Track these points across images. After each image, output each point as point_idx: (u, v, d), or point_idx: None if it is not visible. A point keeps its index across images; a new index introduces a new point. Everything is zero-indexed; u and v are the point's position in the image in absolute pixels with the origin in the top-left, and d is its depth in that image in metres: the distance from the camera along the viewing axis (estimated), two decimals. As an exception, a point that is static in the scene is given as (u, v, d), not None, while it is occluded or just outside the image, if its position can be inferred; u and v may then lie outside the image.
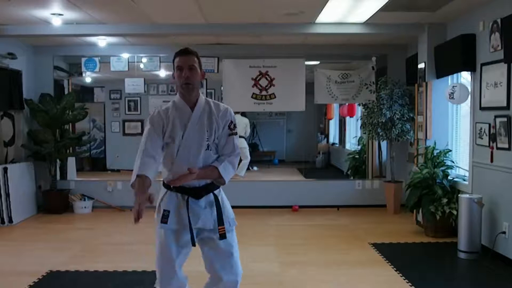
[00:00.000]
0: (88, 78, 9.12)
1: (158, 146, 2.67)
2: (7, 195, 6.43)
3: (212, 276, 2.86)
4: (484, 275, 4.46)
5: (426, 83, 6.08)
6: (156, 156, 2.64)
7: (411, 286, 4.04)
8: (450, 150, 5.97)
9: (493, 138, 4.77)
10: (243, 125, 9.65)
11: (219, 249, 2.79)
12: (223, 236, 2.73)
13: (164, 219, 2.70)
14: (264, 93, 7.44)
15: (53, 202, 7.19)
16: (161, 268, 2.75)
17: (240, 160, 9.68)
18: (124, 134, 10.78)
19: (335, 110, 11.21)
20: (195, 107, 2.73)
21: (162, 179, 2.80)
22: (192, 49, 2.75)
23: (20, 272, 4.45)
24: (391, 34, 6.56)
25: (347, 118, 10.45)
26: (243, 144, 9.70)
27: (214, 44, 7.32)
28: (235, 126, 2.79)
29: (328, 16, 5.73)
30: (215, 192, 2.77)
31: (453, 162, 5.90)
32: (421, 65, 6.28)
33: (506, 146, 4.54)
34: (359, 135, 9.44)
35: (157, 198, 2.78)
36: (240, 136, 9.61)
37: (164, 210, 2.71)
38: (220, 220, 2.72)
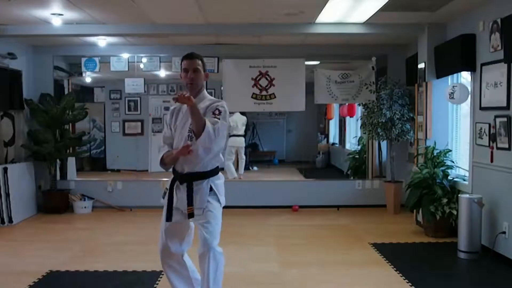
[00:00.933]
0: (88, 78, 9.13)
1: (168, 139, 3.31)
2: (7, 195, 6.43)
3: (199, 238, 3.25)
4: (484, 275, 4.46)
5: (426, 83, 6.08)
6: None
7: (411, 286, 4.04)
8: (450, 150, 5.97)
9: (493, 138, 4.77)
10: (242, 121, 9.63)
11: (201, 223, 3.18)
12: (191, 215, 3.15)
13: (164, 195, 3.30)
14: (264, 93, 7.44)
15: (53, 202, 7.19)
16: (160, 237, 3.31)
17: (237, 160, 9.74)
18: (124, 134, 10.78)
19: (335, 110, 11.22)
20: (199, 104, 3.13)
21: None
22: (197, 53, 3.22)
23: (20, 272, 4.45)
24: (391, 34, 6.56)
25: (347, 118, 10.46)
26: (242, 144, 9.72)
27: (214, 44, 7.32)
28: (219, 113, 3.12)
29: (328, 16, 5.73)
30: (195, 182, 3.16)
31: (453, 162, 5.89)
32: (421, 65, 6.28)
33: (506, 146, 4.54)
34: (359, 135, 9.44)
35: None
36: (239, 135, 9.62)
37: (166, 188, 3.29)
38: (189, 201, 3.13)
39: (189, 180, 3.15)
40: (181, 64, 3.22)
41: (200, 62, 3.17)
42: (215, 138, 3.01)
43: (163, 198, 3.27)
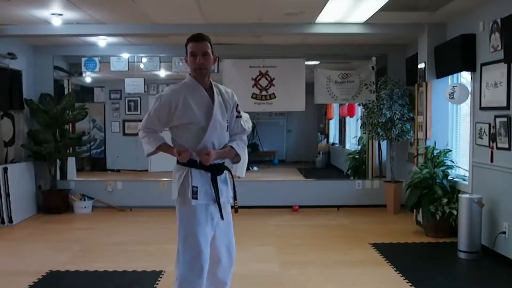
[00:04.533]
0: (88, 78, 9.11)
1: (158, 126, 2.96)
2: (7, 195, 6.43)
3: (211, 257, 2.93)
4: (484, 275, 4.46)
5: (426, 83, 6.08)
6: (159, 131, 2.99)
7: (411, 286, 4.04)
8: (450, 150, 5.97)
9: (493, 138, 4.77)
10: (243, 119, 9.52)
11: (224, 224, 2.96)
12: (236, 210, 2.99)
13: (194, 195, 2.81)
14: (264, 93, 7.44)
15: (53, 202, 7.19)
16: (193, 243, 2.80)
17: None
18: (124, 134, 10.76)
19: (335, 110, 11.20)
20: (214, 91, 2.91)
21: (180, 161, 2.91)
22: (205, 34, 2.90)
23: (20, 272, 4.45)
24: (391, 34, 6.56)
25: (347, 118, 10.45)
26: None
27: (214, 44, 7.30)
28: (239, 111, 3.05)
29: (328, 16, 5.73)
30: (225, 172, 2.97)
31: (453, 162, 5.89)
32: (421, 65, 6.28)
33: (506, 146, 4.54)
34: (359, 135, 9.44)
35: (175, 179, 2.92)
36: None
37: (193, 187, 2.82)
38: (235, 194, 3.00)
39: (224, 169, 2.95)
40: (186, 46, 2.88)
41: (209, 44, 2.88)
42: (246, 142, 3.07)
43: (195, 198, 2.82)
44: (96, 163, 10.95)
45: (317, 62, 7.90)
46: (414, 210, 6.09)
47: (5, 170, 6.46)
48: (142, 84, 7.64)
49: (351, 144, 10.42)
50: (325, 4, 5.19)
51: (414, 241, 5.52)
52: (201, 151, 2.81)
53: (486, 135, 4.90)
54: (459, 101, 5.49)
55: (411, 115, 6.83)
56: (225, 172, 2.98)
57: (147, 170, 9.63)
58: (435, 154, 5.88)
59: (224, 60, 7.40)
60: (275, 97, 7.44)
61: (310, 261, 4.78)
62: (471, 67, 5.22)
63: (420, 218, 6.00)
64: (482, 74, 5.00)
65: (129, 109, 10.69)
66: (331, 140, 12.38)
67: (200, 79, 2.89)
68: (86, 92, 10.11)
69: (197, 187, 2.82)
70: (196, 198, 2.81)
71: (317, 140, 12.65)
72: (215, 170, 2.89)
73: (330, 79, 7.51)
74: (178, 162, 2.92)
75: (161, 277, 4.24)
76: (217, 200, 2.87)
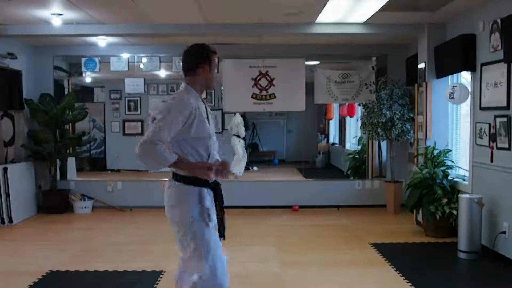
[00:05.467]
0: (88, 78, 9.13)
1: (168, 139, 2.59)
2: (7, 195, 6.43)
3: None
4: (484, 275, 4.46)
5: (426, 83, 6.08)
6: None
7: (411, 286, 4.04)
8: (450, 150, 5.97)
9: (493, 138, 4.77)
10: (235, 123, 9.41)
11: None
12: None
13: (208, 216, 2.70)
14: (264, 93, 7.44)
15: (53, 202, 7.19)
16: (214, 264, 2.70)
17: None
18: (124, 134, 10.78)
19: (335, 110, 11.21)
20: (205, 103, 2.88)
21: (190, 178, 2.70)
22: None
23: (20, 272, 4.45)
24: (391, 34, 6.56)
25: (347, 118, 10.46)
26: (234, 142, 9.48)
27: (214, 44, 7.29)
28: None
29: (328, 16, 5.73)
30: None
31: (453, 162, 5.90)
32: (421, 65, 6.28)
33: (506, 146, 4.54)
34: (359, 135, 9.44)
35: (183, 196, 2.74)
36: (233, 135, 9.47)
37: (207, 208, 2.70)
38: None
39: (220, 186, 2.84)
40: (208, 54, 2.88)
41: None
42: None
43: (202, 219, 2.69)
44: (96, 163, 10.97)
45: (317, 62, 7.90)
46: (414, 210, 6.09)
47: (5, 170, 6.46)
48: (142, 84, 7.65)
49: (351, 144, 10.43)
50: (325, 4, 5.19)
51: (414, 241, 5.52)
52: (219, 165, 2.68)
53: (486, 135, 4.90)
54: (459, 101, 5.49)
55: (411, 115, 6.83)
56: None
57: (147, 170, 9.64)
58: (435, 154, 5.88)
59: (224, 60, 7.40)
60: (275, 97, 7.43)
61: (310, 261, 4.78)
62: (471, 67, 5.22)
63: (420, 218, 5.99)
64: (482, 74, 5.00)
65: (129, 109, 10.70)
66: (331, 140, 12.39)
67: (201, 93, 2.85)
68: (86, 92, 10.13)
69: (209, 208, 2.71)
70: (211, 220, 2.71)
71: (317, 140, 12.66)
72: (218, 187, 2.79)
73: (330, 79, 7.51)
74: (185, 181, 2.70)
75: (161, 277, 4.24)
76: (221, 218, 2.76)
